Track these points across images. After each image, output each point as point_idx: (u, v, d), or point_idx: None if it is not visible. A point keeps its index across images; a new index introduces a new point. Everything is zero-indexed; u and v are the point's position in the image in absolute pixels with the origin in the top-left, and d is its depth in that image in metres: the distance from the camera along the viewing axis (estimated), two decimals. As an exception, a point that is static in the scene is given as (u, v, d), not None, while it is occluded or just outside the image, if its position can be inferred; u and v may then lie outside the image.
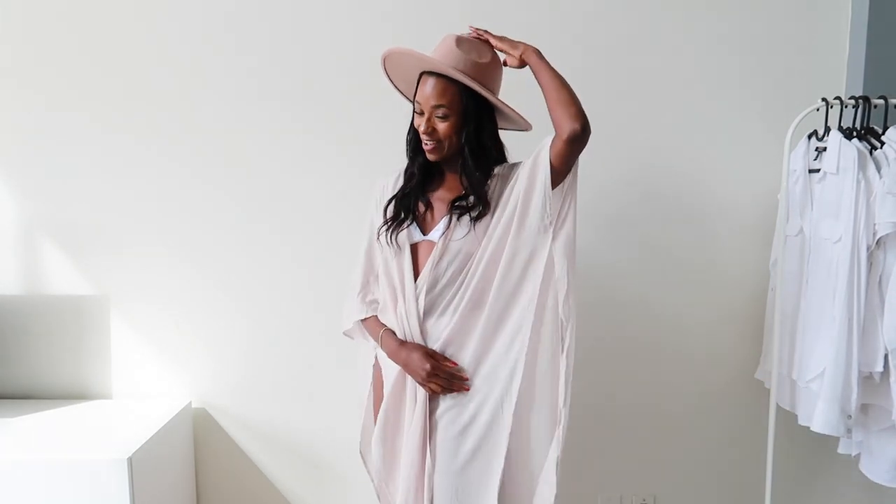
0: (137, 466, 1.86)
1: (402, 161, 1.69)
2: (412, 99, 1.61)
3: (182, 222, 2.22)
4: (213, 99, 2.17)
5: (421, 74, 1.56)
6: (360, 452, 1.75)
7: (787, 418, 2.06)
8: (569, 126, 1.46)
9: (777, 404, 1.98)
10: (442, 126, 1.52)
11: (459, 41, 1.53)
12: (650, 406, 2.32)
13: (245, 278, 2.24)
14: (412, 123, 1.61)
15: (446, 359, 1.55)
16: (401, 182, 1.66)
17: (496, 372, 1.54)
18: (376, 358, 1.73)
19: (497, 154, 1.61)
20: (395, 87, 1.69)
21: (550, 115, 1.50)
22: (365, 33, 2.15)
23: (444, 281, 1.55)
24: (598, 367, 2.29)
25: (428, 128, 1.52)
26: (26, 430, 2.00)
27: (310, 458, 2.32)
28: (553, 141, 1.50)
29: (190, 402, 2.27)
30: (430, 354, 1.54)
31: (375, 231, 1.66)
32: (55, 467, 1.83)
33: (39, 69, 2.16)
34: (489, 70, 1.54)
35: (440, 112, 1.51)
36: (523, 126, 1.63)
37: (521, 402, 1.54)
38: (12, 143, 2.19)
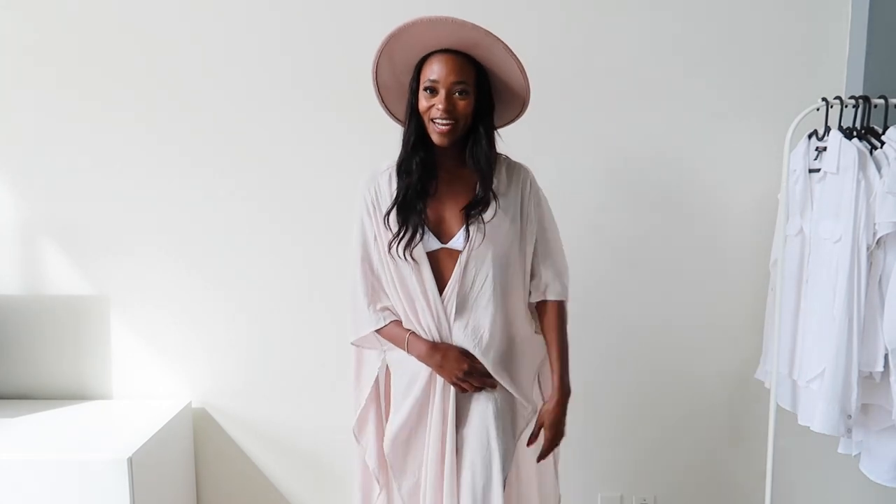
0: (137, 466, 1.86)
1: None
2: (416, 85, 1.53)
3: (182, 223, 2.22)
4: (213, 100, 2.17)
5: (425, 57, 1.52)
6: (354, 432, 1.73)
7: (787, 418, 2.06)
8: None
9: (777, 404, 1.98)
10: (462, 104, 1.49)
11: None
12: (650, 406, 2.32)
13: (245, 278, 2.24)
14: (411, 115, 1.55)
15: (476, 359, 1.57)
16: (395, 182, 1.59)
17: (521, 355, 1.64)
18: (385, 363, 1.71)
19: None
20: (377, 90, 1.63)
21: (546, 331, 1.67)
22: (369, 33, 2.15)
23: (469, 285, 1.57)
24: (598, 367, 2.29)
25: (448, 105, 1.47)
26: (26, 430, 2.00)
27: (310, 458, 2.32)
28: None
29: (190, 402, 2.27)
30: (466, 354, 1.56)
31: (372, 239, 1.62)
32: (55, 467, 1.83)
33: (40, 70, 2.16)
34: None
35: (460, 88, 1.48)
36: (523, 95, 1.59)
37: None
38: (13, 144, 2.19)
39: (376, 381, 1.71)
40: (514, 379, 1.62)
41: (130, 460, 1.83)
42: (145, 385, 2.28)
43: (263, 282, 2.24)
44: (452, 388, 1.58)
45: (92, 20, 2.14)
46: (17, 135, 2.19)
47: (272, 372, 2.29)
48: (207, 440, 2.31)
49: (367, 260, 1.64)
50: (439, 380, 1.59)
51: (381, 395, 1.74)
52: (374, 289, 1.64)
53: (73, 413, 2.15)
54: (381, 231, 1.59)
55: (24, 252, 2.23)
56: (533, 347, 1.68)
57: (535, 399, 1.69)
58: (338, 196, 2.20)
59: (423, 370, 1.60)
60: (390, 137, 2.07)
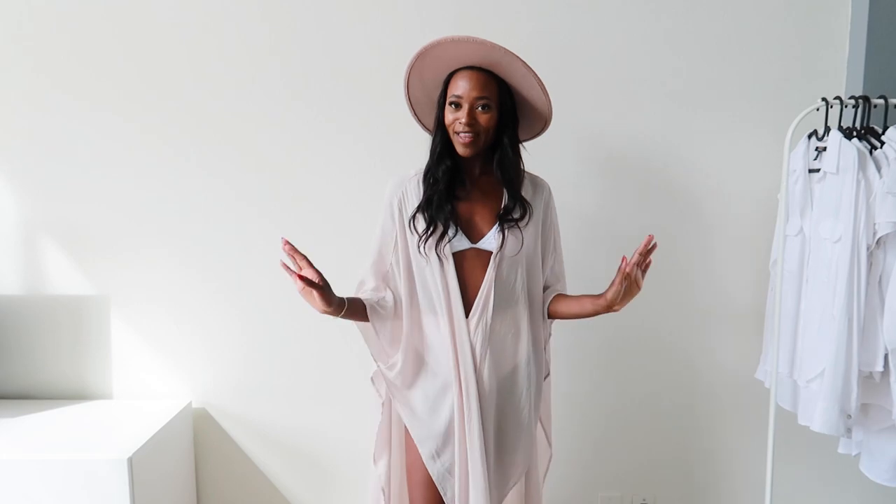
0: (137, 466, 1.86)
1: (415, 162, 1.69)
2: (443, 100, 1.60)
3: (182, 222, 2.22)
4: (214, 102, 2.17)
5: (452, 73, 1.59)
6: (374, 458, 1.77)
7: (787, 418, 2.06)
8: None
9: (777, 404, 1.98)
10: (483, 117, 1.56)
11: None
12: (650, 406, 2.32)
13: (245, 278, 2.24)
14: (438, 127, 1.62)
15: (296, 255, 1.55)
16: (422, 187, 1.64)
17: (537, 354, 1.71)
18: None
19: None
20: (409, 102, 1.69)
21: (567, 306, 1.70)
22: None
23: (501, 286, 1.62)
24: (599, 368, 2.29)
25: (469, 118, 1.55)
26: (26, 430, 2.00)
27: (310, 457, 2.32)
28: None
29: (190, 402, 2.27)
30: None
31: (391, 243, 1.67)
32: (55, 467, 1.84)
33: (40, 71, 2.16)
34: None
35: (482, 103, 1.55)
36: (546, 113, 1.66)
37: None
38: (13, 144, 2.19)
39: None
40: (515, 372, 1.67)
41: (130, 460, 1.83)
42: (145, 385, 2.28)
43: (264, 282, 2.24)
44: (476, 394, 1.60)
45: (93, 22, 2.14)
46: (18, 135, 2.19)
47: (272, 372, 2.29)
48: (207, 440, 2.31)
49: (380, 260, 1.71)
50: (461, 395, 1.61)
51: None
52: (376, 284, 1.71)
53: (73, 413, 2.15)
54: (407, 234, 1.64)
55: (24, 252, 2.23)
56: (539, 363, 1.72)
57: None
58: (338, 196, 2.21)
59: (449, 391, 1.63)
60: (391, 138, 2.08)
